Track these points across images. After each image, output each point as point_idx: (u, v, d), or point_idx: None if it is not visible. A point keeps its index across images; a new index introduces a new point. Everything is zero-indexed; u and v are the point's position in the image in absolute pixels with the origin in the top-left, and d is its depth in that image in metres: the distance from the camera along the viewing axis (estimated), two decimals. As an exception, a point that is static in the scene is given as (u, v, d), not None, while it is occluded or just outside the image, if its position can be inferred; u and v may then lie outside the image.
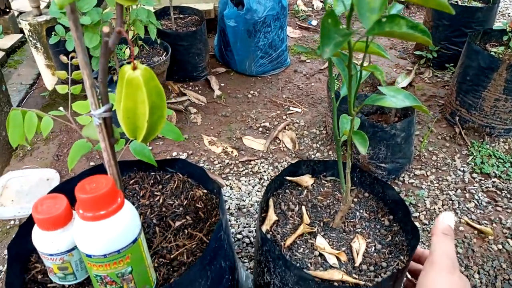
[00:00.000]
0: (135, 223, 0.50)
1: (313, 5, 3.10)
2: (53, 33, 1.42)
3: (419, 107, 0.46)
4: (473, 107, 1.67)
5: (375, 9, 0.28)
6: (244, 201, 1.36)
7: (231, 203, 1.34)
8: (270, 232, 0.69)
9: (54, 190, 0.66)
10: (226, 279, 0.63)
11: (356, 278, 0.62)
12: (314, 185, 0.79)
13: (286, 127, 1.76)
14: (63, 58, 0.65)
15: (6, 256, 0.58)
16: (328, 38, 0.32)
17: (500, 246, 1.24)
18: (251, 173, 1.50)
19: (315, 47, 2.50)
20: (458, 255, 1.22)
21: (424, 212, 1.34)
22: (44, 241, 0.53)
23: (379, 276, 0.63)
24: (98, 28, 1.22)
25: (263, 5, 1.93)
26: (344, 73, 0.46)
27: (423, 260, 0.60)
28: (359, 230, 0.71)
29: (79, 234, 0.48)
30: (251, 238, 1.21)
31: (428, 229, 1.29)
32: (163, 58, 1.74)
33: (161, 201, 0.71)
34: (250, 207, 1.34)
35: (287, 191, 0.78)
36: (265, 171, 1.50)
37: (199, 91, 2.01)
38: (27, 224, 0.61)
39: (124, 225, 0.48)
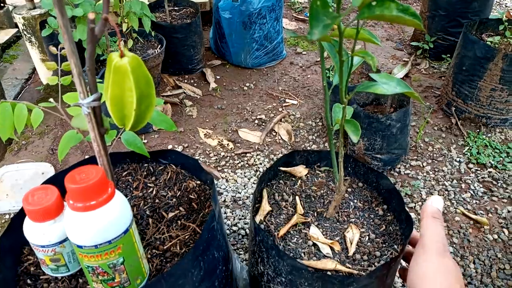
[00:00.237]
0: (126, 213, 0.49)
1: (309, -4, 3.09)
2: (46, 25, 1.41)
3: (411, 94, 0.45)
4: (469, 97, 1.66)
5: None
6: (240, 193, 1.36)
7: (226, 195, 1.34)
8: (264, 223, 0.69)
9: (47, 182, 0.66)
10: (219, 270, 0.63)
11: (349, 268, 0.62)
12: (308, 175, 0.79)
13: (282, 119, 1.76)
14: (53, 49, 0.64)
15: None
16: (317, 21, 0.31)
17: (495, 236, 1.25)
18: (247, 165, 1.50)
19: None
20: (454, 245, 1.22)
21: (420, 203, 1.34)
22: (36, 233, 0.53)
23: (373, 266, 0.63)
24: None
25: (258, -4, 1.92)
26: (336, 59, 0.46)
27: (414, 243, 0.60)
28: (353, 220, 0.70)
29: (70, 224, 0.47)
30: (247, 230, 1.21)
31: (424, 219, 1.29)
32: (157, 51, 1.73)
33: (154, 192, 0.71)
34: (246, 199, 1.34)
35: (281, 181, 0.77)
36: (261, 164, 1.50)
37: (195, 84, 2.00)
38: (19, 217, 0.60)
39: (115, 215, 0.47)
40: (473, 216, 1.30)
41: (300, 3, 2.97)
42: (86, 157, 1.49)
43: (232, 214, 1.28)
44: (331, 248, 0.65)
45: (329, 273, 0.61)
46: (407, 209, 1.32)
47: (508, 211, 1.32)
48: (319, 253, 0.64)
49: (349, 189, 0.77)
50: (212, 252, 0.59)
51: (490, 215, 1.32)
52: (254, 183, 1.41)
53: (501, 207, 1.34)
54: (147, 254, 0.60)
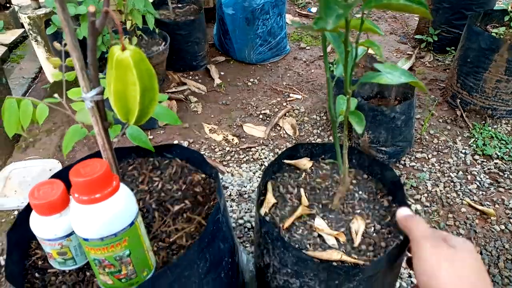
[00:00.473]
0: (132, 206, 0.50)
1: (313, -9, 3.07)
2: (50, 23, 1.42)
3: (416, 83, 0.45)
4: (474, 89, 1.65)
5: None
6: (245, 187, 1.36)
7: (232, 190, 1.35)
8: (269, 215, 0.69)
9: (53, 177, 0.66)
10: (225, 262, 0.63)
11: (355, 258, 0.62)
12: (312, 168, 0.79)
13: (287, 113, 1.76)
14: (57, 44, 0.65)
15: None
16: (330, 9, 0.31)
17: (502, 227, 1.24)
18: (252, 160, 1.50)
19: (314, 33, 2.48)
20: (460, 236, 1.22)
21: (426, 195, 1.34)
22: (42, 227, 0.53)
23: (378, 256, 0.63)
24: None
25: (261, -8, 1.91)
26: (340, 50, 0.46)
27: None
28: (358, 211, 0.70)
29: (75, 218, 0.48)
30: (253, 223, 1.22)
31: (430, 211, 1.29)
32: (162, 48, 1.73)
33: (159, 186, 0.71)
34: (251, 193, 1.34)
35: (285, 174, 0.77)
36: (265, 158, 1.50)
37: (199, 80, 2.00)
38: (26, 211, 0.61)
39: (120, 208, 0.48)
40: (480, 207, 1.30)
41: (303, -3, 2.96)
42: (95, 152, 1.50)
43: (238, 207, 1.28)
44: (337, 239, 0.65)
45: (334, 264, 0.61)
46: (412, 200, 1.32)
47: (515, 203, 1.31)
48: (325, 244, 0.65)
49: (354, 181, 0.77)
50: (217, 244, 0.59)
51: (496, 206, 1.31)
52: (259, 177, 1.41)
53: (507, 198, 1.33)
54: (153, 247, 0.60)
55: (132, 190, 0.70)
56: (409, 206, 0.66)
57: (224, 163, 1.49)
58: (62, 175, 0.65)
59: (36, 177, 1.36)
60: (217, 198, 0.66)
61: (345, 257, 0.61)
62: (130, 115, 0.46)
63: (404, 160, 1.48)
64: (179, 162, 0.76)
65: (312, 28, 0.36)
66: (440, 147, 1.55)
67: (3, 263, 1.14)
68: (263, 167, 1.46)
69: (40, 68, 2.07)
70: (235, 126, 1.68)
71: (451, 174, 1.43)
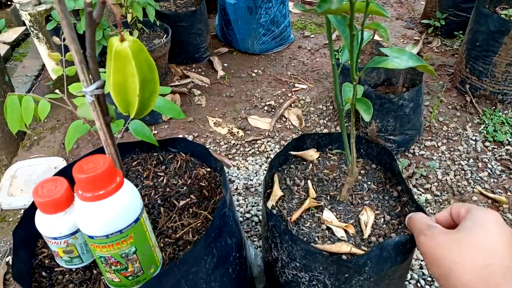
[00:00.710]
0: (136, 202, 0.49)
1: (315, -22, 3.02)
2: (50, 18, 1.40)
3: (424, 67, 0.43)
4: (483, 74, 1.61)
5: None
6: (252, 180, 1.35)
7: (238, 183, 1.34)
8: (276, 208, 0.68)
9: (57, 175, 0.66)
10: (233, 256, 0.62)
11: (365, 251, 0.61)
12: (319, 159, 0.77)
13: (292, 104, 1.74)
14: (56, 39, 0.63)
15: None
16: None
17: (514, 214, 1.22)
18: (257, 152, 1.49)
19: (318, 21, 2.44)
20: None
21: (436, 184, 1.32)
22: (47, 225, 0.53)
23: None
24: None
25: (263, -20, 1.88)
26: (345, 34, 0.44)
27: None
28: (367, 202, 0.69)
29: (80, 215, 0.47)
30: (260, 217, 1.21)
31: (440, 200, 1.27)
32: (163, 40, 1.71)
33: (164, 181, 0.70)
34: (258, 186, 1.33)
35: (292, 166, 0.76)
36: (271, 150, 1.49)
37: (202, 73, 1.99)
38: (31, 210, 0.60)
39: (124, 204, 0.47)
40: (491, 195, 1.27)
41: (306, -15, 2.91)
42: (98, 148, 1.49)
43: (245, 201, 1.27)
44: (346, 232, 0.64)
45: (344, 256, 0.59)
46: (422, 190, 1.30)
47: (527, 189, 1.29)
48: (333, 236, 0.63)
49: (362, 171, 0.75)
50: (224, 239, 0.58)
51: (508, 193, 1.29)
52: (265, 170, 1.39)
53: (519, 185, 1.31)
54: (160, 243, 0.59)
55: (137, 185, 0.69)
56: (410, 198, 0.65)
57: (230, 156, 1.48)
58: (67, 172, 0.65)
59: (42, 175, 1.35)
60: (223, 192, 0.65)
61: (355, 250, 0.60)
62: (131, 107, 0.45)
63: (413, 149, 1.45)
64: (184, 156, 0.74)
65: (316, 11, 0.34)
66: (449, 134, 1.53)
67: (11, 262, 1.14)
68: (269, 159, 1.45)
69: (43, 66, 2.06)
70: (240, 119, 1.66)
71: (461, 162, 1.40)
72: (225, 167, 1.41)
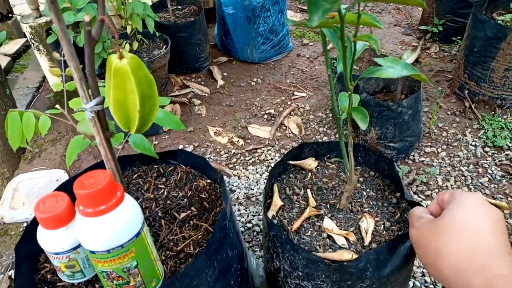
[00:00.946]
0: (137, 216, 0.49)
1: (313, -13, 3.04)
2: (50, 31, 1.42)
3: (418, 76, 0.44)
4: (482, 79, 1.62)
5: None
6: (253, 189, 1.35)
7: (239, 193, 1.34)
8: (277, 218, 0.68)
9: (59, 189, 0.66)
10: (234, 268, 0.62)
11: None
12: (318, 167, 0.78)
13: (292, 112, 1.74)
14: (56, 55, 0.64)
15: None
16: (316, 6, 0.30)
17: (516, 219, 1.22)
18: (258, 161, 1.49)
19: (316, 29, 2.46)
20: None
21: (437, 190, 1.32)
22: (49, 240, 0.53)
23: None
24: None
25: (260, -10, 1.90)
26: (338, 46, 0.45)
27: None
28: (367, 209, 0.69)
29: (81, 230, 0.47)
30: (261, 227, 1.21)
31: (441, 206, 1.26)
32: (163, 51, 1.73)
33: (165, 193, 0.70)
34: (259, 195, 1.33)
35: (291, 175, 0.76)
36: (272, 159, 1.49)
37: (202, 82, 2.00)
38: (33, 224, 0.61)
39: (125, 219, 0.47)
40: (492, 201, 1.27)
41: (304, -6, 2.94)
42: (99, 162, 1.50)
43: (246, 211, 1.27)
44: (347, 239, 0.64)
45: (346, 264, 0.60)
46: (422, 197, 1.30)
47: (529, 193, 1.29)
48: (335, 244, 0.63)
49: (360, 179, 0.75)
50: (225, 251, 0.59)
51: (509, 199, 1.29)
52: (266, 179, 1.40)
53: (520, 190, 1.31)
54: (161, 256, 0.59)
55: (138, 198, 0.70)
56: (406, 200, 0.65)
57: (230, 166, 1.48)
58: (68, 186, 0.65)
59: (43, 188, 1.36)
60: (223, 204, 0.65)
61: (356, 257, 0.60)
62: (131, 123, 0.46)
63: (413, 155, 1.45)
64: (184, 168, 0.75)
65: (306, 25, 0.35)
66: (449, 140, 1.53)
67: (13, 276, 1.14)
68: (269, 168, 1.45)
69: (44, 77, 2.08)
70: (240, 128, 1.67)
71: (461, 167, 1.40)
72: (225, 177, 1.42)
